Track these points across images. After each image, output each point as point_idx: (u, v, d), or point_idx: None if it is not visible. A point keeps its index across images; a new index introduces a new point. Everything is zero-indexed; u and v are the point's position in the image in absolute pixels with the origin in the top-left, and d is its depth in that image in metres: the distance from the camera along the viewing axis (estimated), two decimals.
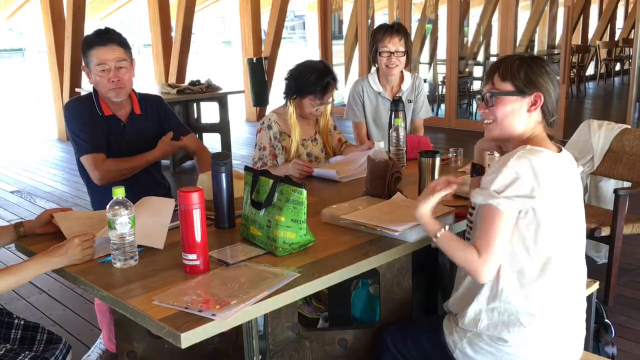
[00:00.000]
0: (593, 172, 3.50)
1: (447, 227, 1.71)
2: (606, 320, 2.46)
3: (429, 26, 10.60)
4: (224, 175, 2.03)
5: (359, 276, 1.97)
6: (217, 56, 25.29)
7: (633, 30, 7.46)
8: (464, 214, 2.06)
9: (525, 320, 1.65)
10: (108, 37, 2.50)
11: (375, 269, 1.96)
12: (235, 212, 2.07)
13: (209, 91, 6.52)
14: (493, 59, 10.22)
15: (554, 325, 1.68)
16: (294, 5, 14.90)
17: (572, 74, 10.41)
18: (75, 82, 7.90)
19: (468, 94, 9.26)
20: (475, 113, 8.70)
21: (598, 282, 2.32)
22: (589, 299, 2.14)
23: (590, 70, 13.19)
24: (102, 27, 2.58)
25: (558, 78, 7.46)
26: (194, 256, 1.66)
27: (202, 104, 6.96)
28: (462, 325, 1.73)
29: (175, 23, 8.86)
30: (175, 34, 8.84)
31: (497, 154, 2.16)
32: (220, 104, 6.61)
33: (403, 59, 3.23)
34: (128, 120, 2.65)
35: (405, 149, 2.83)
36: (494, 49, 10.53)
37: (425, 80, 9.71)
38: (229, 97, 6.70)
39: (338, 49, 10.74)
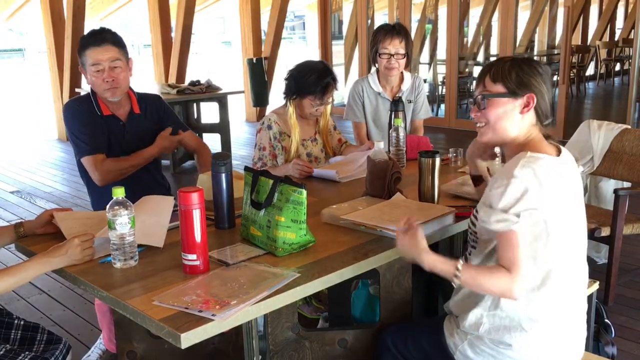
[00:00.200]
0: (593, 172, 3.50)
1: (461, 262, 1.62)
2: (606, 320, 2.46)
3: (428, 26, 10.60)
4: (223, 175, 2.03)
5: (359, 276, 1.97)
6: (217, 56, 25.29)
7: (633, 30, 7.46)
8: (463, 214, 2.07)
9: (527, 326, 1.64)
10: (102, 37, 2.49)
11: (375, 269, 1.96)
12: (235, 213, 2.07)
13: (209, 91, 6.52)
14: (493, 59, 10.20)
15: (556, 328, 1.67)
16: (294, 6, 14.90)
17: (572, 74, 10.41)
18: (75, 82, 7.90)
19: (468, 94, 9.26)
20: None
21: (598, 282, 2.32)
22: (589, 299, 2.14)
23: (590, 71, 13.19)
24: (97, 27, 2.58)
25: (557, 78, 7.50)
26: (193, 256, 1.66)
27: (202, 104, 6.96)
28: (463, 328, 1.73)
29: (175, 23, 8.86)
30: (175, 34, 8.84)
31: (497, 161, 2.16)
32: (220, 104, 6.61)
33: (402, 61, 3.23)
34: (127, 120, 2.65)
35: (405, 149, 2.83)
36: (493, 49, 10.53)
37: (425, 81, 9.71)
38: (229, 97, 6.70)
39: (338, 49, 10.74)
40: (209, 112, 7.34)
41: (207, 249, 1.69)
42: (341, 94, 9.28)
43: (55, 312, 3.38)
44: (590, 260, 3.58)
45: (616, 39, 14.09)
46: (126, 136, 2.64)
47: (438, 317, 1.95)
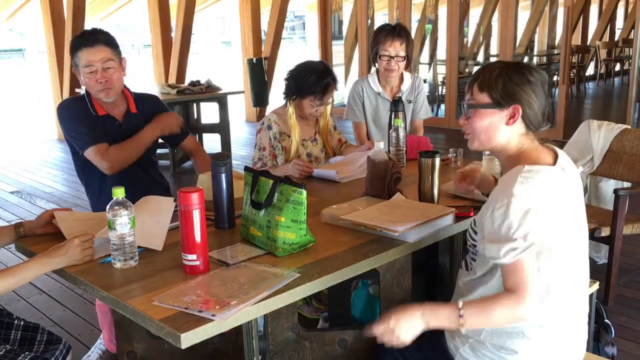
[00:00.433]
0: (593, 172, 3.50)
1: (460, 303, 1.56)
2: (606, 320, 2.46)
3: (428, 26, 10.60)
4: (223, 175, 2.03)
5: (358, 276, 1.97)
6: (217, 56, 25.29)
7: (633, 30, 7.46)
8: (463, 214, 2.07)
9: (530, 333, 1.63)
10: (94, 37, 2.47)
11: (375, 269, 1.96)
12: (235, 213, 2.07)
13: (208, 91, 6.51)
14: (493, 59, 10.23)
15: (558, 333, 1.66)
16: (294, 6, 14.91)
17: (572, 74, 10.41)
18: (75, 82, 7.90)
19: None
20: None
21: (598, 283, 2.32)
22: (589, 299, 2.14)
23: (590, 71, 13.19)
24: (89, 28, 2.56)
25: (557, 78, 7.48)
26: (193, 256, 1.66)
27: (202, 104, 6.96)
28: (464, 331, 1.72)
29: (175, 23, 8.86)
30: (175, 35, 8.85)
31: (496, 162, 2.15)
32: (220, 104, 6.61)
33: (402, 64, 3.23)
34: (124, 119, 2.63)
35: (405, 149, 2.83)
36: (493, 49, 10.53)
37: (425, 81, 9.72)
38: (229, 97, 6.70)
39: (338, 49, 10.74)
40: (209, 112, 7.35)
41: (207, 249, 1.69)
42: (341, 94, 9.28)
43: (55, 313, 3.38)
44: (590, 260, 3.56)
45: (616, 39, 14.10)
46: (123, 136, 2.62)
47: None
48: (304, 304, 2.70)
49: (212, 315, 1.42)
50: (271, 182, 1.84)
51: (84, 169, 2.67)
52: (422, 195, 2.24)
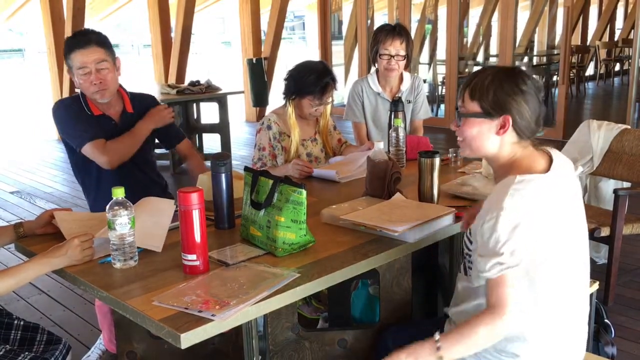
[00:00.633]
0: (593, 172, 3.50)
1: (437, 336, 1.56)
2: (606, 320, 2.46)
3: (428, 26, 10.60)
4: (223, 175, 2.03)
5: (358, 276, 1.97)
6: (217, 57, 25.29)
7: (632, 30, 7.46)
8: (463, 214, 2.06)
9: (529, 336, 1.63)
10: (86, 38, 2.45)
11: (375, 270, 1.96)
12: (235, 213, 2.07)
13: (208, 92, 6.51)
14: (493, 60, 10.23)
15: (558, 336, 1.66)
16: (294, 6, 14.92)
17: (571, 74, 10.41)
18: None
19: None
20: None
21: (598, 283, 2.32)
22: (589, 299, 2.14)
23: (589, 71, 13.19)
24: (83, 29, 2.55)
25: (557, 78, 7.46)
26: (193, 257, 1.66)
27: (202, 104, 6.96)
28: None
29: (175, 23, 8.86)
30: (175, 35, 8.84)
31: (482, 171, 2.13)
32: (220, 104, 6.60)
33: (402, 63, 3.23)
34: (120, 119, 2.62)
35: (404, 149, 2.83)
36: (493, 49, 10.54)
37: (424, 81, 9.71)
38: (229, 97, 6.69)
39: (338, 49, 10.75)
40: (208, 113, 7.35)
41: (207, 249, 1.69)
42: (341, 94, 9.28)
43: (55, 313, 3.38)
44: (590, 261, 3.56)
45: (616, 39, 14.10)
46: (119, 135, 2.61)
47: (438, 318, 1.94)
48: (304, 304, 2.70)
49: (212, 315, 1.42)
50: (271, 182, 1.84)
51: (80, 169, 2.67)
52: (421, 195, 2.24)
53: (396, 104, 2.85)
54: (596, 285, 2.30)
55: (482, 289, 1.65)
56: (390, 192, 2.24)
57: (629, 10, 13.72)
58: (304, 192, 1.77)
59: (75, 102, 2.59)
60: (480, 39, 11.08)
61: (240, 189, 2.03)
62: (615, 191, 3.08)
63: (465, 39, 10.35)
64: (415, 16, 10.10)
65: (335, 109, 3.90)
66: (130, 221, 1.71)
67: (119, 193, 1.70)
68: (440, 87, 9.87)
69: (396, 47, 3.17)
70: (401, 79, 3.37)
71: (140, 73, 12.21)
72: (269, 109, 8.70)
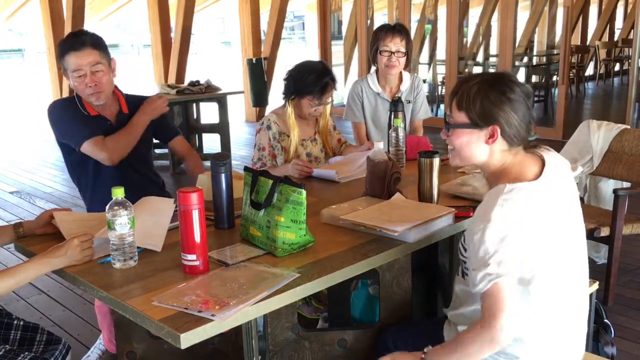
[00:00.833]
0: (592, 172, 3.50)
1: (426, 348, 1.59)
2: (605, 320, 2.46)
3: (428, 26, 10.60)
4: (223, 175, 2.03)
5: (358, 276, 1.96)
6: (217, 57, 25.29)
7: (632, 30, 7.46)
8: (463, 214, 2.07)
9: (528, 339, 1.63)
10: (81, 40, 2.43)
11: (375, 270, 1.96)
12: (235, 213, 2.07)
13: (208, 92, 6.51)
14: (492, 60, 10.23)
15: (557, 337, 1.66)
16: (294, 6, 14.93)
17: (571, 74, 10.41)
18: None
19: None
20: None
21: (597, 283, 2.32)
22: (588, 299, 2.14)
23: (589, 71, 13.19)
24: (75, 30, 2.51)
25: (557, 78, 7.45)
26: (193, 257, 1.66)
27: (202, 104, 6.96)
28: None
29: (174, 23, 8.86)
30: (175, 35, 8.84)
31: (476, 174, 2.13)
32: (220, 104, 6.61)
33: (403, 60, 3.23)
34: (116, 120, 2.60)
35: (404, 149, 2.83)
36: (493, 49, 10.54)
37: (424, 81, 9.72)
38: (229, 97, 6.70)
39: (337, 49, 10.75)
40: (208, 113, 7.35)
41: (207, 249, 1.69)
42: (341, 94, 9.28)
43: (54, 313, 3.38)
44: (590, 261, 3.56)
45: (615, 39, 14.10)
46: None
47: (438, 318, 1.94)
48: (304, 304, 2.70)
49: (212, 315, 1.42)
50: (271, 182, 1.84)
51: (76, 170, 2.66)
52: (421, 196, 2.24)
53: (396, 104, 2.85)
54: (596, 285, 2.30)
55: (474, 298, 1.65)
56: (390, 192, 2.24)
57: (628, 10, 13.72)
58: (304, 192, 1.77)
59: (71, 103, 2.57)
60: (480, 39, 11.08)
61: (240, 189, 2.03)
62: (615, 191, 3.08)
63: (465, 39, 10.35)
64: (415, 16, 10.11)
65: (335, 109, 3.90)
66: (130, 221, 1.71)
67: (118, 193, 1.70)
68: (440, 87, 9.87)
69: (396, 44, 3.18)
70: (401, 79, 3.37)
71: (140, 73, 12.21)
72: (268, 109, 8.70)
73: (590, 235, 3.10)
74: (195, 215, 1.64)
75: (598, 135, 3.47)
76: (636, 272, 3.61)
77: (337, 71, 9.95)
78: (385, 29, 3.21)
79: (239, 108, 9.86)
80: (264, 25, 10.08)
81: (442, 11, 9.25)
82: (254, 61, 9.17)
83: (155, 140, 2.88)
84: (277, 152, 2.88)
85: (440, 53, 9.57)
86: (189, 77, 7.67)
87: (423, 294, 2.49)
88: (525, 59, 10.71)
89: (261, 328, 1.88)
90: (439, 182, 2.23)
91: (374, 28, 3.96)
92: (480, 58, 10.69)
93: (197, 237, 1.65)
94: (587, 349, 1.99)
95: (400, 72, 3.34)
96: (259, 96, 9.26)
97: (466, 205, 2.17)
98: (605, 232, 3.11)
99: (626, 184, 3.47)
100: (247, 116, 9.99)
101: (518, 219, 1.53)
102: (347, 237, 1.93)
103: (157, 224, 1.92)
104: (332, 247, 1.85)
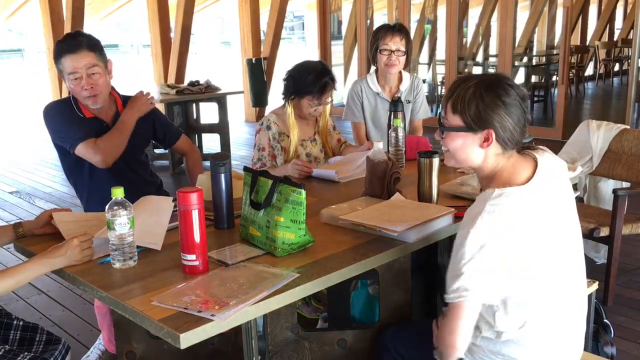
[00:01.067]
0: (592, 172, 3.50)
1: None
2: (605, 320, 2.46)
3: (428, 27, 10.61)
4: (223, 175, 2.03)
5: (358, 276, 1.97)
6: (217, 57, 25.29)
7: (632, 30, 7.46)
8: (462, 214, 2.06)
9: (525, 341, 1.63)
10: (76, 42, 2.41)
11: (375, 270, 1.96)
12: (235, 213, 2.07)
13: (208, 92, 6.52)
14: (492, 60, 10.23)
15: (555, 338, 1.66)
16: (293, 6, 14.92)
17: (571, 75, 10.42)
18: None
19: None
20: None
21: (597, 283, 2.32)
22: (588, 299, 2.14)
23: (589, 71, 13.19)
24: (71, 31, 2.49)
25: (556, 78, 7.44)
26: (193, 257, 1.66)
27: (202, 104, 6.96)
28: None
29: (174, 23, 8.86)
30: (175, 35, 8.84)
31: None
32: (220, 104, 6.61)
33: (402, 59, 3.24)
34: (113, 122, 2.57)
35: (404, 149, 2.83)
36: (493, 49, 10.54)
37: (424, 81, 9.72)
38: (228, 97, 6.70)
39: (337, 49, 10.76)
40: (208, 113, 7.35)
41: (207, 249, 1.69)
42: (340, 94, 9.29)
43: (54, 313, 3.38)
44: (590, 260, 3.59)
45: (615, 39, 14.10)
46: None
47: (438, 318, 1.94)
48: (303, 304, 2.70)
49: (212, 315, 1.42)
50: (270, 182, 1.84)
51: (72, 172, 2.65)
52: (421, 196, 2.24)
53: (395, 104, 2.85)
54: (595, 285, 2.30)
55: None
56: (390, 192, 2.24)
57: (628, 10, 13.73)
58: (304, 192, 1.77)
59: (67, 104, 2.55)
60: (480, 39, 11.08)
61: (239, 189, 2.03)
62: (614, 191, 3.08)
63: (464, 39, 10.35)
64: (415, 16, 10.11)
65: (334, 109, 3.90)
66: (130, 221, 1.71)
67: (118, 193, 1.70)
68: (439, 87, 9.88)
69: (396, 43, 3.18)
70: (400, 79, 3.37)
71: (139, 73, 12.20)
72: (268, 109, 8.70)
73: (590, 235, 3.10)
74: (195, 215, 1.64)
75: (598, 135, 3.47)
76: (636, 272, 3.61)
77: (337, 71, 9.96)
78: (385, 28, 3.22)
79: (238, 108, 9.86)
80: (263, 25, 10.08)
81: (441, 11, 9.26)
82: (253, 61, 9.17)
83: (153, 141, 2.87)
84: (277, 152, 2.89)
85: (440, 53, 9.58)
86: (188, 77, 7.67)
87: (423, 294, 2.49)
88: (525, 59, 10.72)
89: (261, 328, 1.88)
90: (438, 182, 2.23)
91: (374, 28, 3.97)
92: (479, 58, 10.69)
93: (197, 237, 1.65)
94: (586, 349, 1.99)
95: (400, 72, 3.35)
96: (259, 96, 9.26)
97: (466, 205, 2.16)
98: (604, 232, 3.11)
99: (626, 184, 3.47)
100: (247, 116, 9.99)
101: (506, 225, 1.53)
102: (346, 237, 1.93)
103: (157, 222, 1.92)
104: (332, 247, 1.85)
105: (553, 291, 1.63)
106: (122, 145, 2.51)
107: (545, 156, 1.69)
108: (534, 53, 11.62)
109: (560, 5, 8.24)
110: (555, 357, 1.68)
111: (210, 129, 6.98)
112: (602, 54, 12.79)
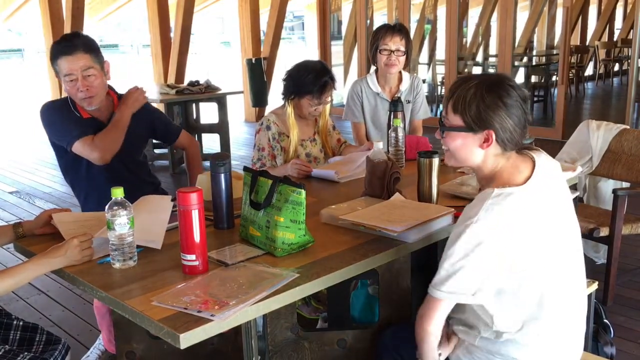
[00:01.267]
0: (592, 172, 3.50)
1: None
2: (605, 320, 2.46)
3: (427, 27, 10.61)
4: (223, 175, 2.03)
5: (358, 276, 1.97)
6: (216, 57, 25.29)
7: (632, 30, 7.47)
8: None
9: (525, 341, 1.63)
10: (72, 44, 2.39)
11: (375, 269, 1.96)
12: (235, 213, 2.07)
13: (208, 92, 6.51)
14: (492, 60, 10.23)
15: (554, 339, 1.66)
16: (293, 6, 14.91)
17: (570, 75, 10.42)
18: None
19: None
20: None
21: (597, 283, 2.32)
22: (587, 299, 2.14)
23: (589, 71, 13.20)
24: (68, 33, 2.48)
25: (556, 78, 7.44)
26: (192, 257, 1.66)
27: (201, 104, 6.97)
28: (459, 335, 1.72)
29: (174, 23, 8.86)
30: (175, 35, 8.84)
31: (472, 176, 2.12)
32: (220, 104, 6.61)
33: (402, 59, 3.24)
34: (109, 122, 2.55)
35: (404, 149, 2.83)
36: (492, 49, 10.54)
37: (424, 81, 9.72)
38: (228, 97, 6.70)
39: (337, 49, 10.75)
40: (208, 113, 7.35)
41: (206, 249, 1.69)
42: (340, 94, 9.29)
43: (54, 313, 3.38)
44: (589, 261, 3.59)
45: (615, 39, 14.11)
46: None
47: None
48: (303, 304, 2.70)
49: (211, 315, 1.42)
50: (270, 182, 1.84)
51: (69, 171, 2.65)
52: (421, 196, 2.24)
53: (395, 104, 2.85)
54: (595, 285, 2.30)
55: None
56: (390, 192, 2.24)
57: (628, 11, 13.73)
58: (303, 192, 1.77)
59: (64, 104, 2.55)
60: (480, 39, 11.09)
61: (239, 189, 2.03)
62: (614, 191, 3.09)
63: (464, 39, 10.36)
64: (415, 16, 10.11)
65: (334, 109, 3.90)
66: (130, 221, 1.71)
67: (118, 193, 1.69)
68: (439, 87, 9.88)
69: (396, 43, 3.18)
70: (400, 79, 3.37)
71: (139, 73, 12.20)
72: (268, 109, 8.70)
73: (590, 235, 3.10)
74: (195, 215, 1.64)
75: (597, 135, 3.47)
76: (635, 272, 3.60)
77: (337, 71, 9.97)
78: (385, 28, 3.22)
79: (238, 108, 9.86)
80: (263, 25, 10.08)
81: (441, 11, 9.26)
82: (253, 61, 9.17)
83: (155, 140, 2.88)
84: (277, 152, 2.89)
85: (440, 53, 9.58)
86: (188, 77, 7.67)
87: (422, 294, 2.48)
88: (525, 59, 10.72)
89: (261, 328, 1.88)
90: (438, 182, 2.23)
91: (374, 28, 3.97)
92: (479, 58, 10.70)
93: (197, 237, 1.65)
94: (586, 349, 1.99)
95: (400, 72, 3.35)
96: (259, 96, 9.26)
97: (465, 205, 2.17)
98: (604, 232, 3.11)
99: (625, 184, 3.47)
100: (247, 116, 9.99)
101: (505, 225, 1.54)
102: (346, 237, 1.93)
103: (156, 221, 1.92)
104: (332, 247, 1.85)
105: (553, 291, 1.63)
106: (119, 140, 2.50)
107: (542, 156, 1.70)
108: (534, 53, 11.62)
109: (560, 5, 8.23)
110: (555, 357, 1.68)
111: (210, 129, 6.98)
112: (602, 54, 12.79)
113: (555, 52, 10.04)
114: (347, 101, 3.46)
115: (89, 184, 2.60)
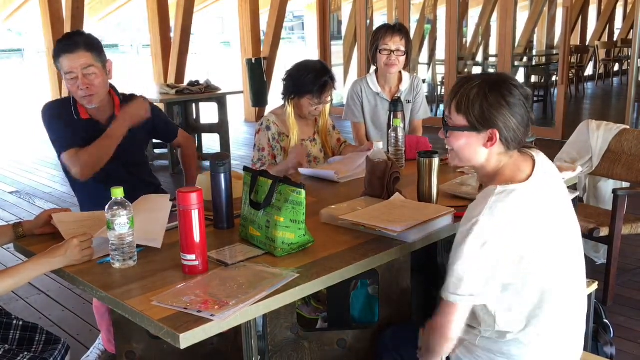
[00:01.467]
0: (592, 172, 3.50)
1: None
2: (605, 320, 2.46)
3: (427, 26, 10.61)
4: (222, 175, 2.03)
5: (358, 276, 1.97)
6: (216, 57, 25.28)
7: (632, 30, 7.46)
8: (462, 214, 2.06)
9: (525, 339, 1.63)
10: (73, 42, 2.39)
11: (374, 269, 1.96)
12: (235, 213, 2.07)
13: (208, 92, 6.52)
14: (492, 60, 10.23)
15: (554, 339, 1.66)
16: (293, 6, 14.91)
17: (570, 75, 10.42)
18: None
19: None
20: None
21: (597, 283, 2.32)
22: (587, 299, 2.14)
23: (589, 71, 13.19)
24: (71, 31, 2.47)
25: (556, 78, 7.44)
26: (192, 257, 1.66)
27: (201, 104, 6.97)
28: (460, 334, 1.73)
29: (174, 23, 8.86)
30: (174, 35, 8.84)
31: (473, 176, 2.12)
32: (219, 104, 6.61)
33: (402, 59, 3.24)
34: (108, 123, 2.53)
35: (404, 149, 2.83)
36: (492, 49, 10.54)
37: (424, 81, 9.72)
38: (228, 97, 6.70)
39: (337, 49, 10.75)
40: (208, 113, 7.35)
41: (206, 249, 1.69)
42: (340, 94, 9.28)
43: (54, 313, 3.38)
44: (589, 260, 3.59)
45: (615, 39, 14.11)
46: None
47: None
48: (303, 304, 2.70)
49: (211, 315, 1.42)
50: (270, 182, 1.84)
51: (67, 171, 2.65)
52: (421, 196, 2.24)
53: (395, 104, 2.85)
54: (595, 285, 2.30)
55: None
56: (390, 192, 2.24)
57: (628, 11, 13.73)
58: (303, 192, 1.77)
59: (65, 104, 2.54)
60: (480, 39, 11.09)
61: (239, 189, 2.03)
62: (614, 191, 3.09)
63: (464, 39, 10.36)
64: (415, 16, 10.11)
65: (334, 108, 3.90)
66: (129, 221, 1.71)
67: (118, 193, 1.69)
68: (439, 87, 9.87)
69: (396, 43, 3.18)
70: (400, 79, 3.37)
71: (139, 73, 12.20)
72: (268, 109, 8.69)
73: (590, 235, 3.10)
74: (195, 215, 1.64)
75: (597, 135, 3.47)
76: (635, 272, 3.60)
77: (337, 71, 9.96)
78: (385, 28, 3.22)
79: (238, 108, 9.86)
80: (263, 25, 10.08)
81: (441, 11, 9.25)
82: (253, 61, 9.17)
83: (155, 140, 2.89)
84: (277, 152, 2.89)
85: (440, 53, 9.57)
86: (188, 77, 7.67)
87: (422, 294, 2.49)
88: (525, 59, 10.72)
89: (260, 328, 1.88)
90: (438, 182, 2.23)
91: (374, 28, 3.97)
92: (479, 58, 10.70)
93: (197, 237, 1.65)
94: (586, 349, 1.99)
95: (400, 72, 3.35)
96: (259, 96, 9.26)
97: (466, 205, 2.17)
98: (604, 232, 3.11)
99: (625, 184, 3.47)
100: (247, 116, 9.99)
101: (508, 222, 1.54)
102: (346, 237, 1.93)
103: (156, 220, 1.92)
104: (332, 247, 1.85)
105: (554, 290, 1.63)
106: (104, 159, 2.45)
107: (540, 156, 1.71)
108: (534, 53, 11.62)
109: (560, 5, 8.23)
110: (555, 356, 1.69)
111: (210, 129, 6.98)
112: (602, 54, 12.79)
113: (555, 52, 10.04)
114: (347, 101, 3.46)
115: (88, 185, 2.59)
